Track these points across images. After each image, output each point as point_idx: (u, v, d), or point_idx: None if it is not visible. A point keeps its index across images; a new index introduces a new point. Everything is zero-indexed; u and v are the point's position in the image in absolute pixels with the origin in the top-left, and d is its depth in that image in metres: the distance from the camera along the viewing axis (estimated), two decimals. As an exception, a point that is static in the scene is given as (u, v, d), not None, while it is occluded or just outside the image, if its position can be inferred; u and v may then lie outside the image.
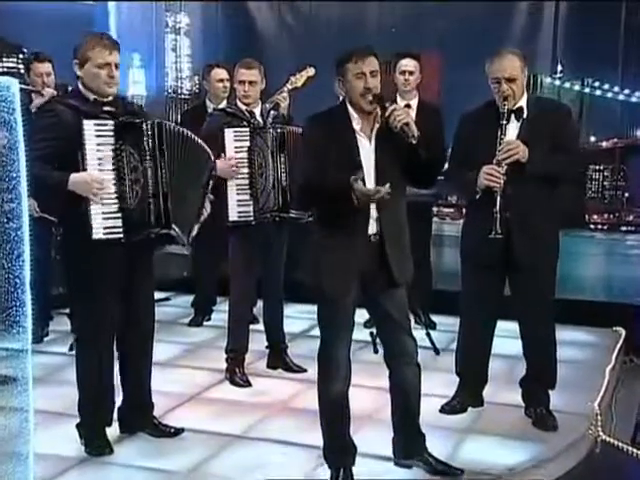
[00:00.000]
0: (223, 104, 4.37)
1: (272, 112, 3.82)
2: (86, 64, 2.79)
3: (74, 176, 2.65)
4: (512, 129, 3.05)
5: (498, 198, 2.97)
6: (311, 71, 4.32)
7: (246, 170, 3.58)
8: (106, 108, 2.76)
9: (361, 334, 3.44)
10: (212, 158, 2.96)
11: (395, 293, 2.65)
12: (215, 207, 3.62)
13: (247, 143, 3.58)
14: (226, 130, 3.56)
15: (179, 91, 7.01)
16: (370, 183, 2.52)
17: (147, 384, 3.02)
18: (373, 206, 2.54)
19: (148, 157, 2.72)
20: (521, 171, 2.98)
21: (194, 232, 2.90)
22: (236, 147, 3.58)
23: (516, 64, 3.01)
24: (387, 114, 2.47)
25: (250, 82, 3.66)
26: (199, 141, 2.89)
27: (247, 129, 3.60)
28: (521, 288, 3.13)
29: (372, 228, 2.57)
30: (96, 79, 2.77)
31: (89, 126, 2.66)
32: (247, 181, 3.58)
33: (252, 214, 3.57)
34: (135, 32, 6.81)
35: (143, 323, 2.94)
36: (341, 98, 2.71)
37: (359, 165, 2.53)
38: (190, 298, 4.95)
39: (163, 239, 2.83)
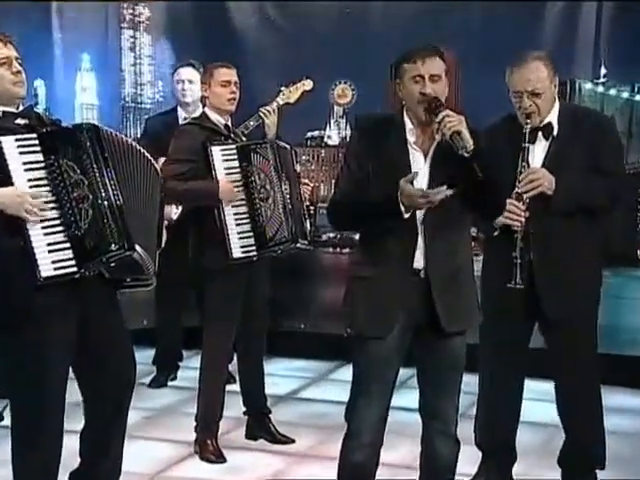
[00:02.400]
0: (198, 112, 4.44)
1: (251, 123, 3.96)
2: None
3: None
4: (539, 150, 3.11)
5: (518, 240, 3.01)
6: (308, 84, 4.43)
7: (242, 195, 3.66)
8: (20, 121, 2.64)
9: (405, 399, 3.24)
10: (160, 175, 2.95)
11: (445, 345, 2.69)
12: (195, 241, 3.77)
13: (236, 163, 3.68)
14: (213, 148, 3.64)
15: (139, 99, 7.07)
16: (420, 212, 2.60)
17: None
18: (420, 235, 2.61)
19: (92, 168, 2.63)
20: (547, 205, 3.02)
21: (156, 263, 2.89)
22: (226, 168, 3.67)
23: (542, 74, 3.03)
24: (438, 120, 2.54)
25: (236, 83, 3.79)
26: (145, 152, 2.88)
27: (233, 146, 3.71)
28: (553, 342, 3.18)
29: (418, 261, 2.63)
30: None
31: (8, 144, 2.53)
32: (245, 208, 3.67)
33: (255, 248, 3.66)
34: (84, 27, 6.86)
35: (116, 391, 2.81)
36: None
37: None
38: (151, 353, 5.01)
39: (122, 269, 2.74)
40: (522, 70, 3.04)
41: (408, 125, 2.66)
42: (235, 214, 3.66)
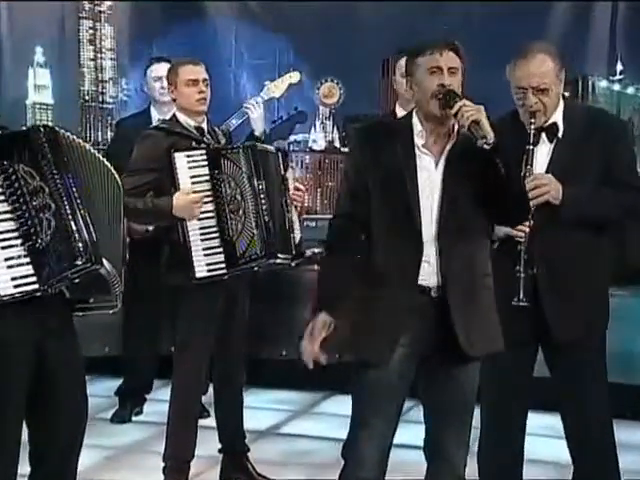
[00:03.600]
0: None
1: (233, 122, 3.96)
2: None
3: None
4: (542, 154, 3.10)
5: (522, 253, 3.03)
6: (295, 76, 4.47)
7: (211, 207, 3.68)
8: None
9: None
10: (122, 188, 2.93)
11: (457, 373, 2.71)
12: (166, 258, 3.77)
13: (205, 170, 3.69)
14: (176, 155, 3.65)
15: (100, 98, 7.06)
16: (431, 222, 2.64)
17: None
18: (431, 249, 2.64)
19: (52, 174, 2.60)
20: (553, 215, 3.03)
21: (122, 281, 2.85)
22: (193, 177, 3.67)
23: (547, 67, 3.04)
24: (454, 110, 2.58)
25: (204, 80, 3.80)
26: (104, 160, 2.87)
27: (202, 151, 3.71)
28: (560, 368, 3.18)
29: (432, 279, 2.66)
30: None
31: None
32: (214, 221, 3.68)
33: (225, 266, 3.68)
34: (37, 17, 6.84)
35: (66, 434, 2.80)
36: None
37: (412, 193, 2.63)
38: (114, 384, 5.01)
39: (86, 287, 2.71)
40: (526, 64, 3.05)
41: (417, 127, 2.70)
42: (201, 228, 3.66)
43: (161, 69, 4.64)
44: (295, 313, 5.31)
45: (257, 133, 4.09)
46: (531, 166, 3.05)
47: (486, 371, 3.13)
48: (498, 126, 2.98)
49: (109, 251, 2.73)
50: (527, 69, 3.04)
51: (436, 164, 2.68)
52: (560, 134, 3.11)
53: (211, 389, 4.07)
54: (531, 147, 3.05)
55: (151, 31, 7.08)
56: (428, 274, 2.65)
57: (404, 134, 2.70)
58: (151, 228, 4.23)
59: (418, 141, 2.68)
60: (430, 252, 2.65)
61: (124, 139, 4.46)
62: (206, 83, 3.81)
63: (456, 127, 2.67)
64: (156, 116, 4.66)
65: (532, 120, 3.07)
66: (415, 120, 2.71)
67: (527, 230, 3.03)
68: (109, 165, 2.88)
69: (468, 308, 2.67)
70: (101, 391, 5.14)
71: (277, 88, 4.32)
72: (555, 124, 3.12)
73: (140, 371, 4.89)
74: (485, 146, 2.55)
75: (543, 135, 3.10)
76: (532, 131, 3.06)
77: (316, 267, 5.48)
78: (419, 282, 2.66)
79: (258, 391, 4.67)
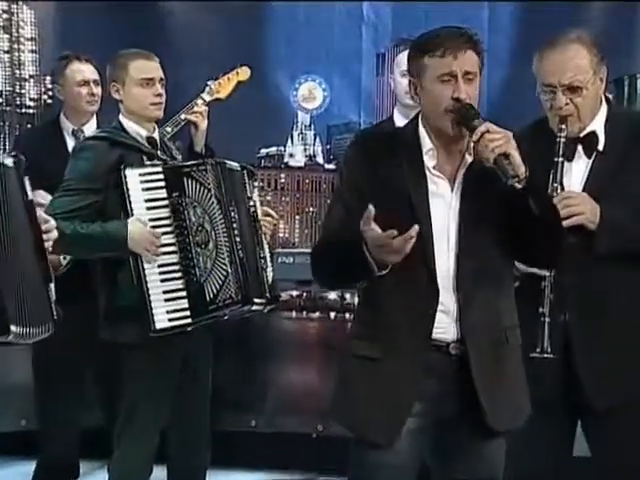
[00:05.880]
0: (91, 124, 4.42)
1: (168, 130, 3.94)
2: None
3: None
4: (579, 170, 3.11)
5: (547, 291, 3.01)
6: (244, 72, 4.47)
7: (172, 239, 3.66)
8: None
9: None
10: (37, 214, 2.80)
11: (483, 446, 2.72)
12: (105, 302, 3.70)
13: (163, 193, 3.66)
14: (128, 173, 3.60)
15: (17, 101, 7.07)
16: (447, 260, 2.65)
17: None
18: (448, 295, 2.64)
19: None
20: (587, 243, 3.02)
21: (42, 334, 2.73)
22: (148, 200, 3.64)
23: (582, 60, 3.03)
24: (475, 138, 2.57)
25: (161, 80, 3.77)
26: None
27: (159, 169, 3.68)
28: (597, 443, 3.16)
29: (450, 332, 2.66)
30: None
31: None
32: (176, 257, 3.65)
33: (190, 314, 3.63)
34: None
35: None
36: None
37: (424, 224, 2.59)
38: (30, 467, 4.93)
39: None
40: (556, 56, 3.05)
41: (426, 143, 2.70)
42: (161, 266, 3.62)
43: (88, 70, 4.60)
44: (267, 373, 5.29)
45: (197, 148, 4.05)
46: (560, 183, 3.04)
47: (512, 447, 3.07)
48: (521, 137, 2.87)
49: (24, 308, 2.65)
50: (556, 62, 3.05)
51: (450, 188, 2.69)
52: (600, 146, 3.12)
53: (161, 473, 3.99)
54: (560, 159, 3.04)
55: (84, 16, 7.03)
56: (445, 326, 2.66)
57: (410, 151, 2.70)
58: (65, 262, 4.13)
59: (429, 161, 2.69)
60: (447, 299, 2.66)
61: (28, 154, 4.34)
62: (162, 83, 3.79)
63: (471, 144, 2.66)
64: (69, 128, 4.60)
65: (562, 126, 3.06)
66: (422, 133, 2.72)
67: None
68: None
69: (493, 370, 2.69)
70: (15, 476, 5.07)
71: (222, 88, 4.31)
72: (594, 133, 3.13)
73: (60, 449, 4.80)
74: (517, 185, 2.55)
75: (579, 147, 3.11)
76: (562, 139, 3.05)
77: (294, 314, 5.48)
78: (434, 336, 2.66)
79: (222, 473, 4.59)
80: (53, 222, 2.80)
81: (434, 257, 2.64)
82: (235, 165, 3.90)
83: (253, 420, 5.24)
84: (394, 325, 2.66)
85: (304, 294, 5.49)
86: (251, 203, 3.91)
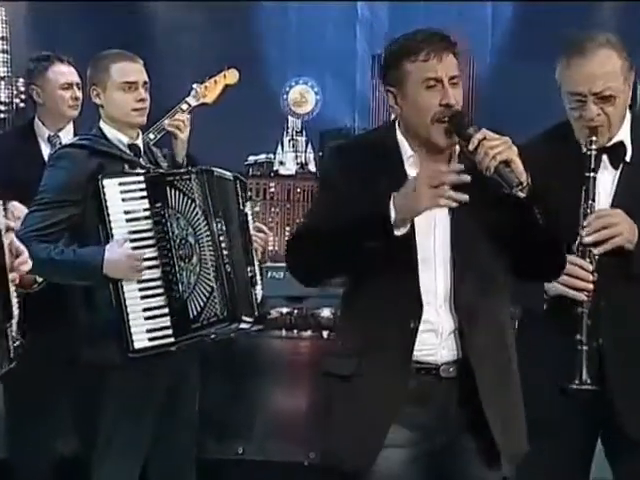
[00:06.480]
0: (68, 129, 4.42)
1: (151, 136, 3.93)
2: None
3: None
4: (605, 182, 3.09)
5: (585, 318, 2.99)
6: (231, 75, 4.47)
7: (153, 253, 3.64)
8: None
9: None
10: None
11: (484, 476, 2.71)
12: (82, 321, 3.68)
13: (145, 203, 3.66)
14: (105, 182, 3.60)
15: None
16: (444, 276, 2.64)
17: None
18: (439, 313, 2.63)
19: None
20: (626, 266, 3.01)
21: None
22: (128, 212, 3.63)
23: (613, 67, 2.99)
24: (472, 147, 2.54)
25: (145, 84, 3.75)
26: None
27: (140, 178, 3.67)
28: (629, 472, 3.15)
29: (439, 354, 2.64)
30: None
31: None
32: (158, 272, 3.65)
33: (172, 332, 3.63)
34: None
35: None
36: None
37: (408, 244, 2.57)
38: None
39: None
40: (586, 63, 2.99)
41: (405, 150, 2.68)
42: (141, 282, 3.61)
43: (70, 73, 4.58)
44: (255, 396, 5.28)
45: (178, 159, 4.02)
46: (593, 200, 3.01)
47: (530, 463, 3.06)
48: (532, 150, 2.87)
49: None
50: (586, 69, 2.99)
51: None
52: (628, 157, 3.10)
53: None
54: (592, 174, 3.01)
55: (58, 14, 7.09)
56: (433, 347, 2.64)
57: (390, 159, 2.68)
58: (40, 280, 4.11)
59: (411, 171, 2.65)
60: (434, 316, 2.64)
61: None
62: (146, 87, 3.77)
63: (457, 149, 2.65)
64: (45, 133, 4.57)
65: (593, 138, 3.01)
66: (400, 138, 2.70)
67: (591, 286, 2.97)
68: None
69: (496, 395, 2.67)
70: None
71: (209, 91, 4.31)
72: (622, 143, 3.10)
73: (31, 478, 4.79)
74: (520, 194, 2.52)
75: (605, 158, 3.07)
76: (593, 152, 3.01)
77: (283, 332, 5.46)
78: (421, 358, 2.63)
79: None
80: (26, 254, 2.76)
81: (417, 270, 2.61)
82: (227, 174, 3.86)
83: (240, 447, 5.23)
84: (371, 338, 2.64)
85: (295, 311, 5.49)
86: (243, 215, 3.89)
